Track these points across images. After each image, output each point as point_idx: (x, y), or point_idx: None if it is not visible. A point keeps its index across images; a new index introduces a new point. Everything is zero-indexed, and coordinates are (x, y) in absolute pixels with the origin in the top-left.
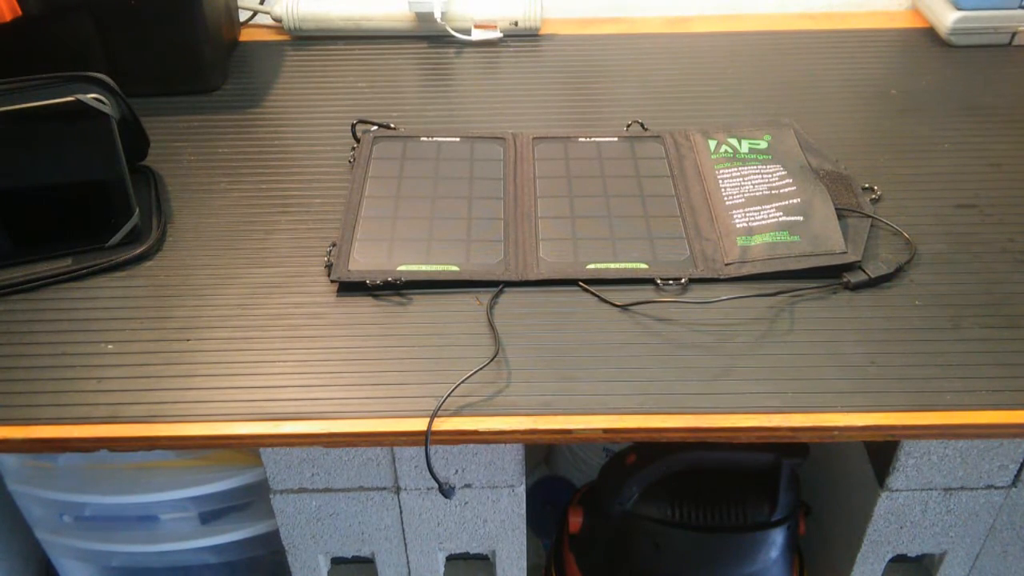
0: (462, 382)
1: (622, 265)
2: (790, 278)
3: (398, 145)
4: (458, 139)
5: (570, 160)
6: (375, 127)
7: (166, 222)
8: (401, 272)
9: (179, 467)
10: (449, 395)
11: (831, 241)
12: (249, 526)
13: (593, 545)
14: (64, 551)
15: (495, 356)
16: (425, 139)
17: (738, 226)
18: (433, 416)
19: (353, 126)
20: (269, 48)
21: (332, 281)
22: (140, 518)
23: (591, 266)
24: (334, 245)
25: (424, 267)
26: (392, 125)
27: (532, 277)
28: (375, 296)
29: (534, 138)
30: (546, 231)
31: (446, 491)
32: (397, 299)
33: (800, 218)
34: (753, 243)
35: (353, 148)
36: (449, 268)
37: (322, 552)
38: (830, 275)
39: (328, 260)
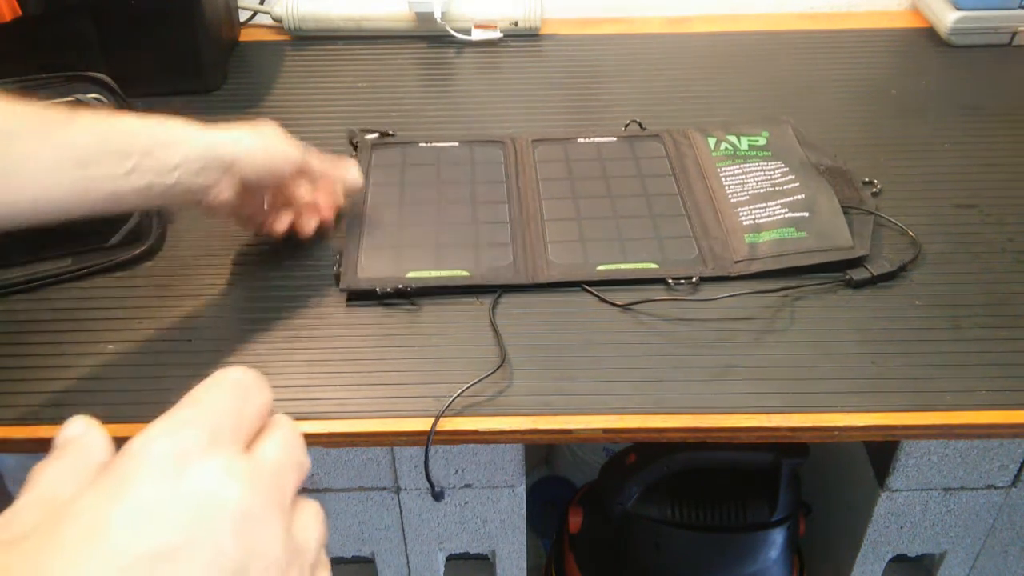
0: (467, 387)
1: (632, 266)
2: (797, 275)
3: (397, 152)
4: (456, 143)
5: (571, 161)
6: (372, 135)
7: (166, 222)
8: (411, 279)
9: None
10: (454, 399)
11: (838, 237)
12: None
13: (593, 545)
14: None
15: (501, 364)
16: (424, 144)
17: (745, 223)
18: (436, 419)
19: (350, 137)
20: (269, 48)
21: (341, 290)
22: None
23: (601, 267)
24: (340, 254)
25: (434, 273)
26: (390, 132)
27: (543, 280)
28: (381, 301)
29: (533, 140)
30: (554, 233)
31: (436, 494)
32: (403, 304)
33: (806, 214)
34: (761, 240)
35: (352, 155)
36: (460, 273)
37: None
38: (832, 271)
39: (336, 270)
